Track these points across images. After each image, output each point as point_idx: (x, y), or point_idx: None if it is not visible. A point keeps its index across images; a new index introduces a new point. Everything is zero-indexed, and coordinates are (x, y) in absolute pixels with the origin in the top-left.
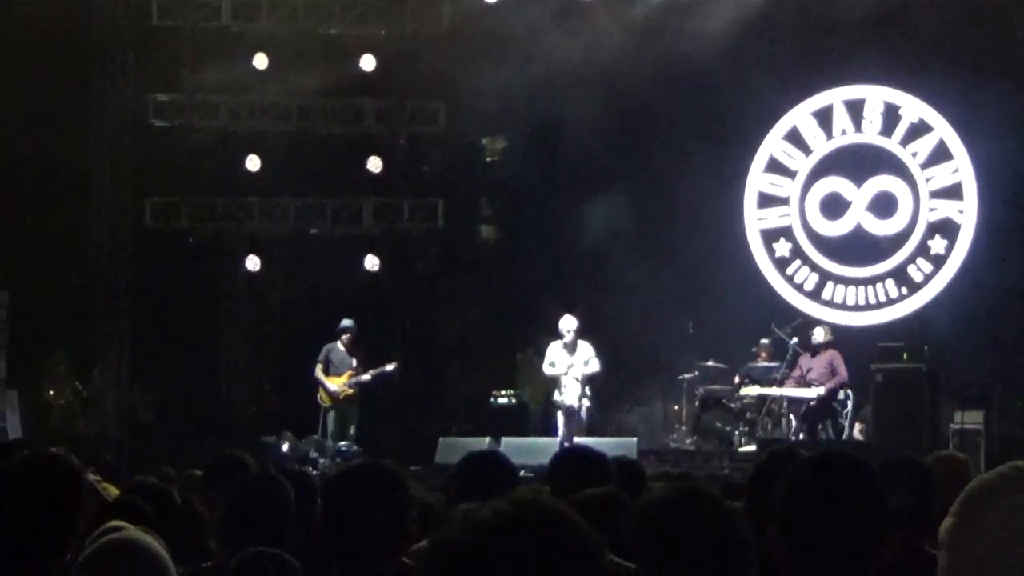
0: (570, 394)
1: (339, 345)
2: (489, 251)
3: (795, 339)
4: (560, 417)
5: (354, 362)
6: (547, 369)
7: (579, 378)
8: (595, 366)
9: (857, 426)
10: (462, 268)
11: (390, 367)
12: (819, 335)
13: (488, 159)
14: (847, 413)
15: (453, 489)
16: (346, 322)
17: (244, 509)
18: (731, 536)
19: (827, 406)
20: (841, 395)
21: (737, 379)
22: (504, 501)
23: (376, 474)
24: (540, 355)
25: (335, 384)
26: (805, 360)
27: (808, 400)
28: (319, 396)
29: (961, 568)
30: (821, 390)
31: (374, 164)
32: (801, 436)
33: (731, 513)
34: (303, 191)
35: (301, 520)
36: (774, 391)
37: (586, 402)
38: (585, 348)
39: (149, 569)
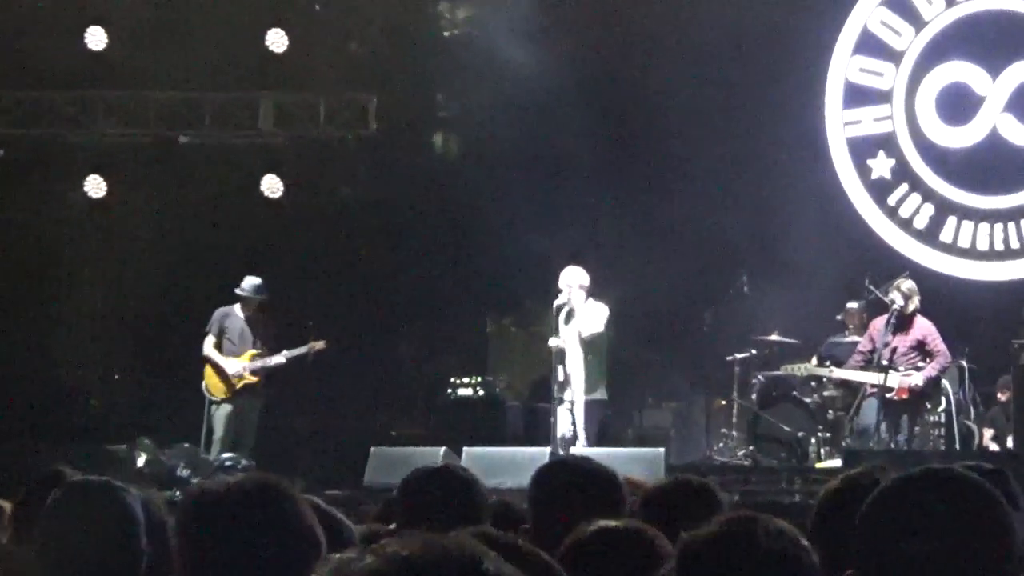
0: (568, 380)
1: (237, 311)
2: (446, 169)
3: (899, 301)
4: (557, 416)
5: (258, 341)
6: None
7: (576, 357)
8: (592, 327)
9: (987, 431)
10: (407, 195)
11: (317, 346)
12: (901, 298)
13: (446, 33)
14: (944, 410)
15: (398, 523)
16: (250, 281)
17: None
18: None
19: (922, 400)
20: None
21: (815, 361)
22: (400, 544)
23: (254, 493)
24: (522, 325)
25: (234, 366)
26: (877, 330)
27: (887, 391)
28: (204, 385)
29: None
30: (918, 379)
31: (276, 39)
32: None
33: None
34: (170, 80)
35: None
36: (840, 373)
37: (595, 394)
38: (591, 311)
39: None
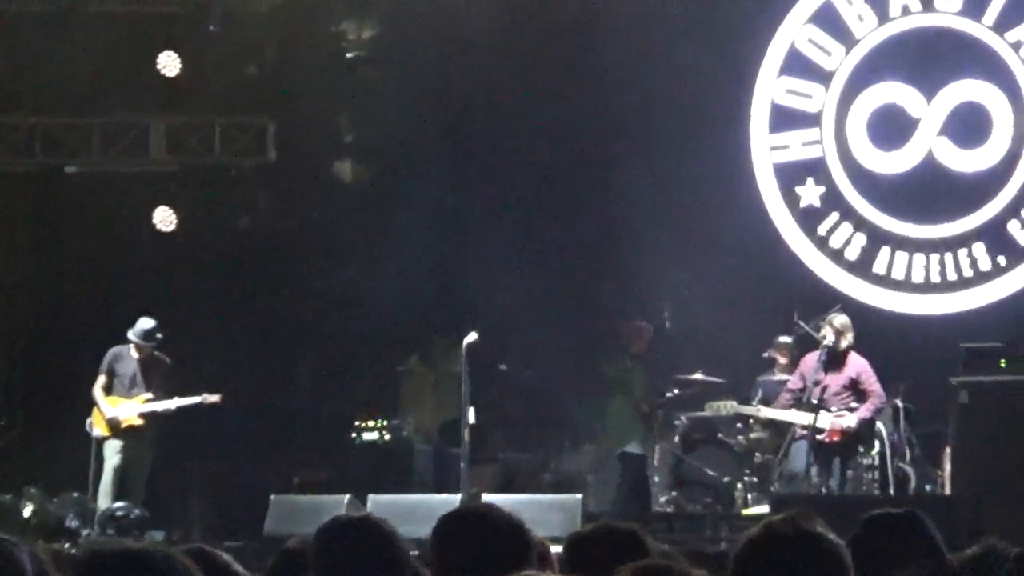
0: None
1: (131, 353)
2: (352, 200)
3: (831, 337)
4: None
5: (153, 385)
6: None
7: None
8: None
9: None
10: (308, 226)
11: (211, 399)
12: (833, 334)
13: (349, 55)
14: (878, 452)
15: None
16: (141, 325)
17: None
18: None
19: (856, 442)
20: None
21: (732, 406)
22: None
23: (135, 561)
24: (432, 364)
25: (114, 406)
26: (808, 367)
27: (818, 432)
28: (88, 421)
29: None
30: (851, 420)
31: (167, 62)
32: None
33: None
34: (53, 106)
35: None
36: (767, 412)
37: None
38: None
39: None
